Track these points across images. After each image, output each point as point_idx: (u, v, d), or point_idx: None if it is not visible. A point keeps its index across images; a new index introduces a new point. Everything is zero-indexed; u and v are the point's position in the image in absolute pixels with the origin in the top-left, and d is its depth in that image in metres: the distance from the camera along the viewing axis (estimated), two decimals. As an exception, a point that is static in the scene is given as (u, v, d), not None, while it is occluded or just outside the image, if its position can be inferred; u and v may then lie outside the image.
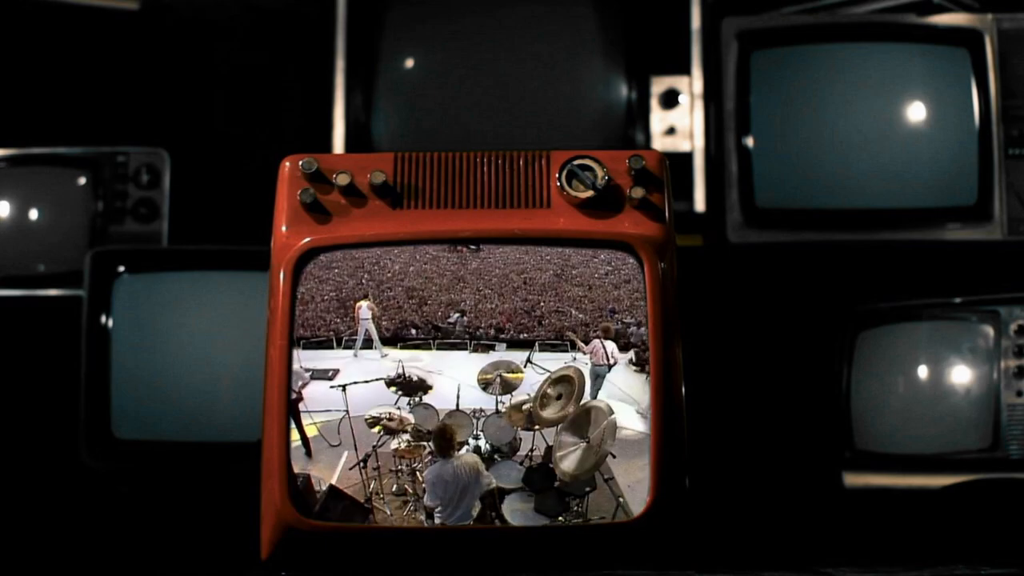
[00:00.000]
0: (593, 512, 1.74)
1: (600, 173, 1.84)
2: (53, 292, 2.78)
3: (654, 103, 2.85)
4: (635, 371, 1.77)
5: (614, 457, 1.75)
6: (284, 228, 1.84)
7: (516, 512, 1.74)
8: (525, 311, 1.80)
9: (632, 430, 1.76)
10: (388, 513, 1.75)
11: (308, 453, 1.77)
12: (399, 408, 1.78)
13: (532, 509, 1.74)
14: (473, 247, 1.81)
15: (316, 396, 1.78)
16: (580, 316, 1.80)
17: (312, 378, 1.78)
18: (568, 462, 1.76)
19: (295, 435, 1.77)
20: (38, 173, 2.86)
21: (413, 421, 1.77)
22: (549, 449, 1.77)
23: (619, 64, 2.85)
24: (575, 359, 1.78)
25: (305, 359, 1.79)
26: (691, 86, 2.85)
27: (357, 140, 2.85)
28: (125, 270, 2.64)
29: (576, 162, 1.85)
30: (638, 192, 1.83)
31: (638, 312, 1.79)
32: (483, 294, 1.81)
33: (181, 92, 3.12)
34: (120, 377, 2.60)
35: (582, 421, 1.77)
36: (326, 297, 1.80)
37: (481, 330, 1.80)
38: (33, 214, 2.84)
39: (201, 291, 2.68)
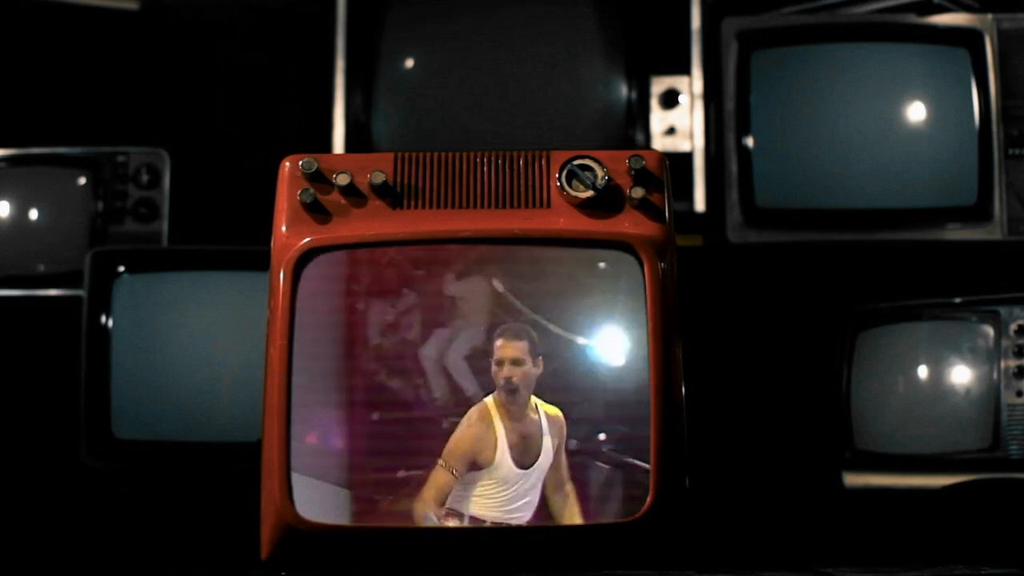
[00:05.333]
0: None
1: (600, 173, 1.84)
2: (53, 292, 2.78)
3: (654, 103, 2.85)
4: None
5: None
6: (284, 228, 1.84)
7: None
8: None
9: None
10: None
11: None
12: None
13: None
14: None
15: None
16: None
17: None
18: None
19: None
20: (38, 173, 2.86)
21: None
22: None
23: (619, 64, 2.85)
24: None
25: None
26: (691, 86, 2.85)
27: (357, 140, 2.84)
28: (125, 270, 2.64)
29: (576, 162, 1.85)
30: (638, 192, 1.83)
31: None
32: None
33: (181, 92, 3.12)
34: (120, 377, 2.60)
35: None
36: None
37: None
38: (33, 214, 2.84)
39: (201, 291, 2.68)
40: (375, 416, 1.78)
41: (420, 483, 1.75)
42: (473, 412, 1.76)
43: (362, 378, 1.78)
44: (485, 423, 1.77)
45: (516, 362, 1.77)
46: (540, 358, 1.77)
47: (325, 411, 1.78)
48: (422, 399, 1.77)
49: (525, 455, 1.76)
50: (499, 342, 1.77)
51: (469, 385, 1.76)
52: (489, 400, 1.78)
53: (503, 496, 1.75)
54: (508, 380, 1.76)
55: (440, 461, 1.75)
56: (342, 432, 1.78)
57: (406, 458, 1.76)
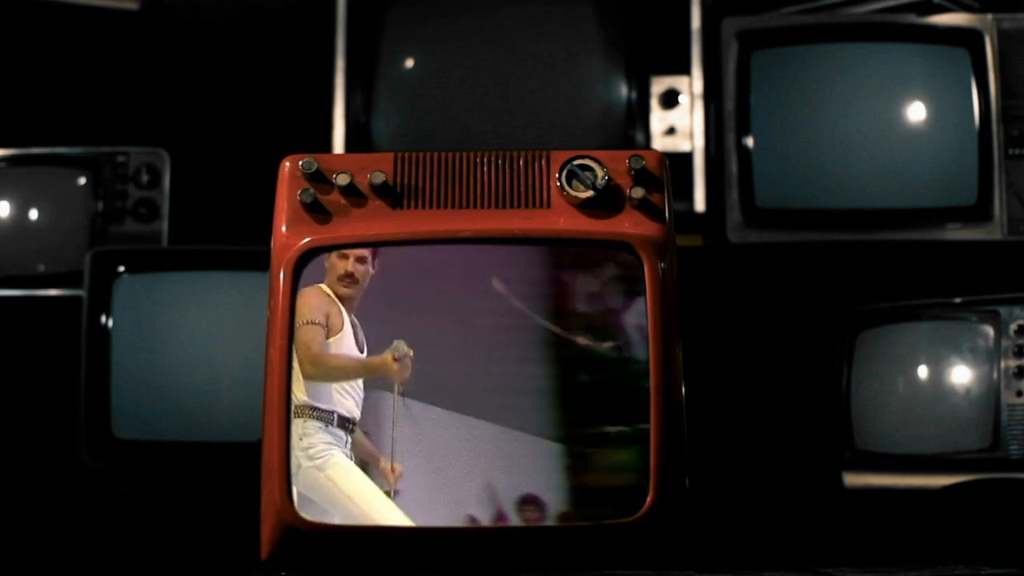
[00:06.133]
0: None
1: (600, 173, 1.84)
2: (53, 292, 2.78)
3: (654, 103, 2.85)
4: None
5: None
6: (284, 228, 1.84)
7: None
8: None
9: None
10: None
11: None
12: None
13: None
14: None
15: None
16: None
17: None
18: None
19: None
20: (38, 173, 2.86)
21: None
22: None
23: (619, 64, 2.85)
24: None
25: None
26: (691, 86, 2.85)
27: (357, 140, 2.85)
28: (125, 270, 2.64)
29: (576, 162, 1.85)
30: (638, 192, 1.83)
31: None
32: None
33: (181, 92, 3.12)
34: (120, 377, 2.60)
35: None
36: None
37: None
38: (33, 214, 2.84)
39: (201, 291, 2.68)
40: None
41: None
42: (308, 288, 1.79)
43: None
44: (322, 295, 1.80)
45: (360, 259, 1.81)
46: (378, 261, 1.80)
47: None
48: None
49: (359, 339, 1.79)
50: None
51: None
52: (321, 285, 1.80)
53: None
54: (350, 274, 1.80)
55: (297, 323, 1.78)
56: None
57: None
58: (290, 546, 1.76)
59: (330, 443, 1.76)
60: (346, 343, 1.79)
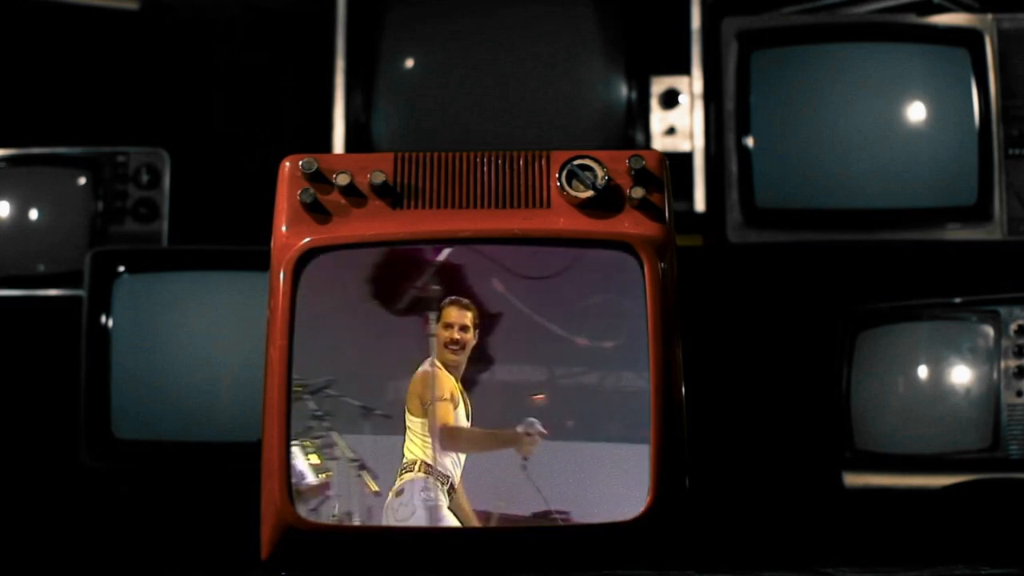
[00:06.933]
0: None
1: (600, 173, 1.84)
2: (53, 292, 2.78)
3: (654, 103, 2.85)
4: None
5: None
6: (284, 228, 1.84)
7: None
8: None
9: None
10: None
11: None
12: None
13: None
14: None
15: None
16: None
17: None
18: None
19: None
20: (38, 173, 2.86)
21: None
22: None
23: (619, 64, 2.85)
24: None
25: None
26: (691, 86, 2.85)
27: (357, 140, 2.85)
28: (125, 270, 2.64)
29: (576, 162, 1.85)
30: (638, 192, 1.83)
31: None
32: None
33: (181, 92, 3.12)
34: (120, 377, 2.60)
35: None
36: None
37: None
38: (33, 214, 2.84)
39: (201, 291, 2.68)
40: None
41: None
42: (424, 364, 1.80)
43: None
44: (445, 374, 1.81)
45: (463, 328, 1.82)
46: (477, 331, 1.82)
47: None
48: None
49: (468, 411, 1.82)
50: (451, 309, 1.82)
51: None
52: (434, 360, 1.81)
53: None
54: (456, 341, 1.82)
55: (433, 397, 1.79)
56: None
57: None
58: (290, 546, 1.76)
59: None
60: (462, 417, 1.81)
